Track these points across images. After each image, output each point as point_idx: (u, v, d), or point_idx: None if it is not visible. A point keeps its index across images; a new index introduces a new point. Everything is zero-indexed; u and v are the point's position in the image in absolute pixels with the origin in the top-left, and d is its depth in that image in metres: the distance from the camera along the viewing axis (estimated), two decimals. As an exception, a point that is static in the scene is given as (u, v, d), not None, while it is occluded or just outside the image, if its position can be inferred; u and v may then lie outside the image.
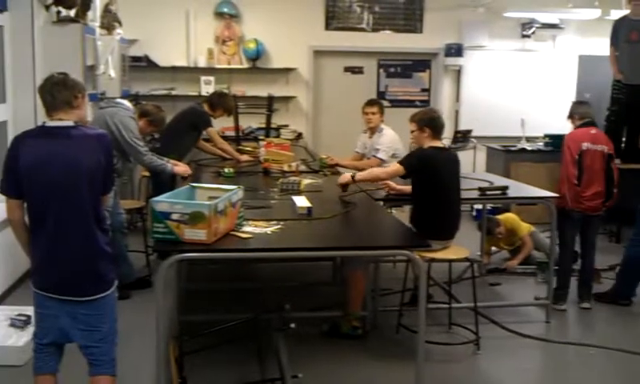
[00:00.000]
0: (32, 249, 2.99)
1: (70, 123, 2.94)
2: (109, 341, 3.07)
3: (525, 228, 6.70)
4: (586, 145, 5.47)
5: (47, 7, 6.05)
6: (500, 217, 6.83)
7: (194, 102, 7.00)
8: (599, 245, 5.86)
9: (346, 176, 4.85)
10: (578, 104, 5.88)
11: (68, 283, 2.94)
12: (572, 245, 5.57)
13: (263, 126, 8.64)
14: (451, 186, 4.67)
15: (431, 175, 4.56)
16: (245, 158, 6.76)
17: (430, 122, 4.69)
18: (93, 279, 2.97)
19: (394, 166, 4.62)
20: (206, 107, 6.68)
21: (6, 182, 2.95)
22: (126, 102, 5.58)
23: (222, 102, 6.72)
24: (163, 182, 6.05)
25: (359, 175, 4.78)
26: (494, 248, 6.91)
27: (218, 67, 8.96)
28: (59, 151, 2.88)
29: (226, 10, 8.88)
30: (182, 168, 5.69)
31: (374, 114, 6.18)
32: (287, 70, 9.12)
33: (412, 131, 4.80)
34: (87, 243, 2.93)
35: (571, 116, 5.72)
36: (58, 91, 2.95)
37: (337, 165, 6.24)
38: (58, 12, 6.11)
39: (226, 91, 7.56)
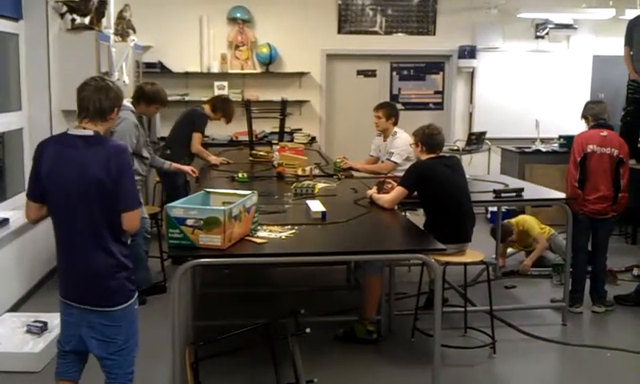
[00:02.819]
0: (56, 255, 2.99)
1: (90, 133, 2.88)
2: (124, 354, 3.01)
3: (537, 228, 6.69)
4: (591, 147, 5.34)
5: (62, 15, 6.09)
6: (513, 220, 6.81)
7: (195, 105, 7.05)
8: (616, 246, 5.80)
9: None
10: (592, 104, 5.70)
11: (85, 293, 2.92)
12: (585, 247, 5.50)
13: (277, 130, 8.65)
14: (455, 190, 4.69)
15: (432, 184, 4.64)
16: (214, 159, 6.71)
17: (423, 138, 4.80)
18: (110, 292, 2.92)
19: (398, 191, 4.63)
20: (207, 108, 6.75)
21: (29, 185, 2.97)
22: (126, 102, 5.53)
23: (224, 107, 6.80)
24: (176, 188, 6.08)
25: (374, 197, 4.77)
26: (510, 250, 6.88)
27: (232, 72, 8.98)
28: (72, 160, 2.85)
29: (238, 15, 8.90)
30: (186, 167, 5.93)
31: (379, 117, 6.19)
32: (300, 74, 9.13)
33: (410, 145, 5.03)
34: (103, 255, 2.88)
35: (585, 116, 5.59)
36: (98, 99, 2.89)
37: (350, 168, 6.24)
38: (73, 20, 6.16)
39: (231, 99, 7.56)
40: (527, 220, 6.76)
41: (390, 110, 6.24)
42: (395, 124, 6.23)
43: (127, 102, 5.54)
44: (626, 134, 7.47)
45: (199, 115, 6.70)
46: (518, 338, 4.99)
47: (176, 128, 6.74)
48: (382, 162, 6.22)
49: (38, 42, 5.82)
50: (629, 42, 7.81)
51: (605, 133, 5.40)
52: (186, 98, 8.66)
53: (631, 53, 7.80)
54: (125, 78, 6.88)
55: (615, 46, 8.43)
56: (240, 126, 8.25)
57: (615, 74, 8.65)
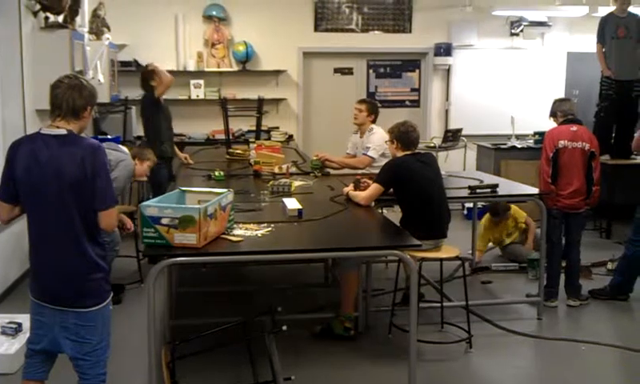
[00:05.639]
0: (29, 256, 2.96)
1: (64, 132, 2.85)
2: (97, 355, 2.98)
3: (522, 212, 6.85)
4: (562, 142, 5.39)
5: (35, 13, 6.03)
6: None
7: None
8: (590, 240, 5.85)
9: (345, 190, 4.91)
10: (561, 101, 5.77)
11: (60, 294, 2.89)
12: (559, 242, 5.55)
13: (253, 128, 8.65)
14: (430, 187, 4.71)
15: (408, 181, 4.66)
16: (183, 156, 6.74)
17: (399, 135, 4.81)
18: (85, 292, 2.90)
19: (373, 188, 4.66)
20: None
21: (1, 185, 2.93)
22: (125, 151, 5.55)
23: (146, 72, 6.66)
24: (162, 182, 6.06)
25: (350, 194, 4.80)
26: (490, 244, 6.93)
27: (208, 70, 8.95)
28: (47, 161, 2.81)
29: (214, 13, 8.87)
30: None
31: (360, 111, 6.19)
32: (277, 72, 9.13)
33: (386, 142, 5.07)
34: (77, 256, 2.86)
35: (553, 114, 5.63)
36: (72, 98, 2.85)
37: (327, 159, 6.19)
38: (46, 18, 6.09)
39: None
40: (512, 206, 6.88)
41: (372, 107, 6.25)
42: (373, 122, 6.24)
43: (125, 150, 5.49)
44: (599, 130, 7.60)
45: (145, 102, 6.57)
46: (494, 332, 5.03)
47: (144, 123, 6.70)
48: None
49: (10, 41, 5.74)
50: (601, 38, 7.92)
51: (575, 128, 5.45)
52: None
53: (604, 50, 7.90)
54: (99, 77, 6.83)
55: (589, 42, 8.52)
56: (217, 124, 8.22)
57: (589, 71, 8.75)
